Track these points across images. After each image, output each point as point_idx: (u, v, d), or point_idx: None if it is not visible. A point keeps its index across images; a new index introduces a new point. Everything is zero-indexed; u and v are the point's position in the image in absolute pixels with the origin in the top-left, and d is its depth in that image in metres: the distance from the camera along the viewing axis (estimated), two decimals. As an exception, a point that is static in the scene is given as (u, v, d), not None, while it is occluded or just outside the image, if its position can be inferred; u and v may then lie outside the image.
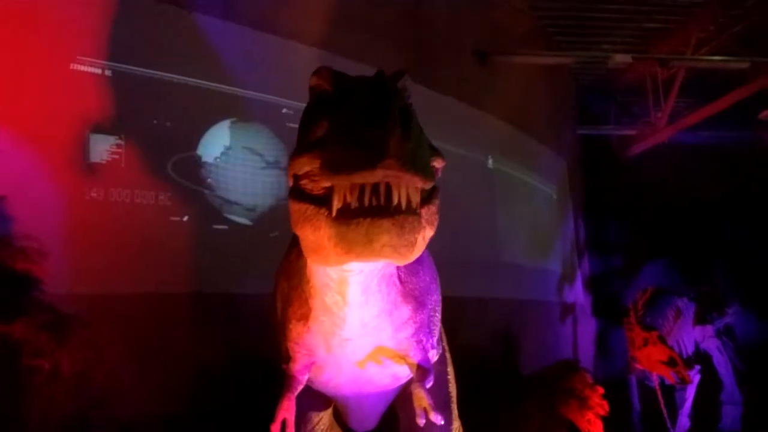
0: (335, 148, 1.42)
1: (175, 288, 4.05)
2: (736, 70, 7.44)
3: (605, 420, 4.83)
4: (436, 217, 1.64)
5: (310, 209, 1.52)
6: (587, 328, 8.77)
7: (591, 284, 9.18)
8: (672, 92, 8.14)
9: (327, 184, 1.48)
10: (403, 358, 2.18)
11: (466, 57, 6.87)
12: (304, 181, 1.57)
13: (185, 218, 4.18)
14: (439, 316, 2.39)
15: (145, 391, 3.60)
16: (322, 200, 1.51)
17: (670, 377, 5.58)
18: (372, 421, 2.96)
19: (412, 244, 1.46)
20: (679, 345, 6.22)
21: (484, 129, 7.10)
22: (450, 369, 2.90)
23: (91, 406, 3.38)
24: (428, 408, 2.04)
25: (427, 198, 1.57)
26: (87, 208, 3.76)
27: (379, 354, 2.18)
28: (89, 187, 3.80)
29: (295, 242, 2.27)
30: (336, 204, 1.43)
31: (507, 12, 7.45)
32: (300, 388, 2.24)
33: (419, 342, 2.17)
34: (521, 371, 6.25)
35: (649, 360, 5.64)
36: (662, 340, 5.65)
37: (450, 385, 2.87)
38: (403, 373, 2.37)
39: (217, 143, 4.47)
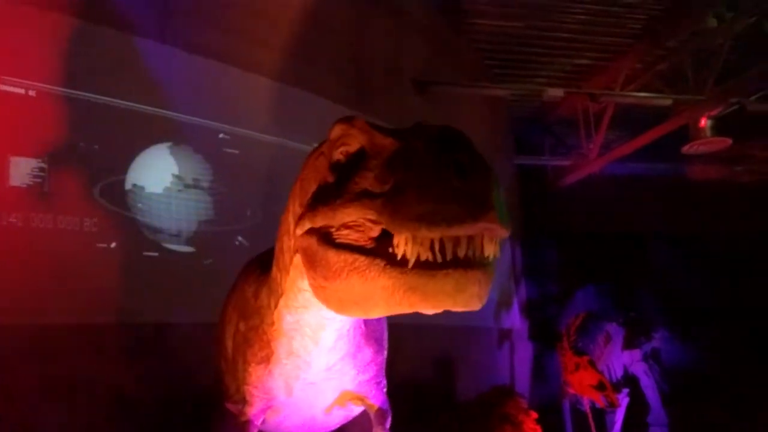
0: (416, 199, 1.32)
1: (100, 318, 3.84)
2: (660, 105, 7.84)
3: (538, 445, 4.91)
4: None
5: (361, 260, 1.45)
6: (524, 353, 8.91)
7: (527, 310, 9.35)
8: (602, 125, 8.49)
9: (399, 235, 1.38)
10: (362, 400, 2.19)
11: (405, 87, 6.98)
12: (344, 232, 1.50)
13: (113, 245, 4.03)
14: (386, 351, 2.38)
15: (63, 428, 3.42)
16: (371, 251, 1.44)
17: (600, 401, 5.71)
18: None
19: (486, 295, 1.43)
20: (609, 369, 6.41)
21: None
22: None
23: None
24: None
25: None
26: (5, 234, 3.55)
27: (344, 399, 2.18)
28: (8, 212, 3.59)
29: (249, 275, 2.27)
30: (410, 255, 1.34)
31: (446, 44, 7.64)
32: None
33: (379, 384, 2.19)
34: (459, 398, 6.28)
35: (581, 384, 5.77)
36: (592, 364, 5.79)
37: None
38: (356, 412, 2.37)
39: (148, 168, 4.33)
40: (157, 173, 4.37)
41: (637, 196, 9.60)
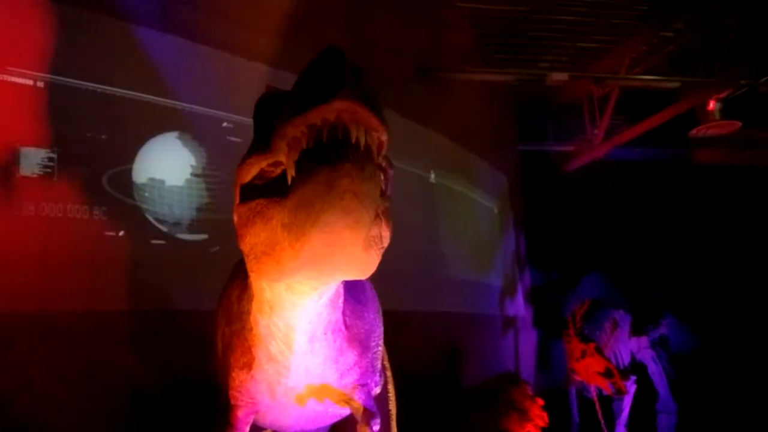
0: (284, 116, 1.32)
1: (109, 305, 3.87)
2: (667, 88, 7.76)
3: (545, 431, 4.90)
4: (390, 222, 1.58)
5: (261, 202, 1.42)
6: (528, 341, 8.90)
7: (532, 297, 9.34)
8: (607, 110, 8.41)
9: (276, 157, 1.38)
10: (347, 402, 2.14)
11: (407, 73, 6.92)
12: (253, 183, 1.50)
13: (121, 233, 4.03)
14: (381, 349, 2.36)
15: (75, 414, 3.43)
16: (270, 191, 1.40)
17: (607, 388, 5.70)
18: None
19: (373, 203, 1.33)
20: (616, 356, 6.39)
21: (426, 144, 7.16)
22: (390, 387, 2.90)
23: (18, 430, 3.18)
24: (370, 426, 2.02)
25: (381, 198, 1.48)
26: (17, 223, 3.58)
27: (322, 393, 2.12)
28: (19, 201, 3.63)
29: (234, 279, 2.23)
30: (288, 167, 1.31)
31: (447, 29, 7.57)
32: None
33: (364, 386, 2.14)
34: (464, 385, 6.29)
35: (587, 371, 5.75)
36: (599, 351, 5.77)
37: (390, 403, 2.87)
38: (344, 411, 2.33)
39: (155, 157, 4.33)
40: (163, 162, 4.37)
41: (643, 182, 9.54)
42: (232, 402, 2.12)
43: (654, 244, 9.46)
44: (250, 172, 1.51)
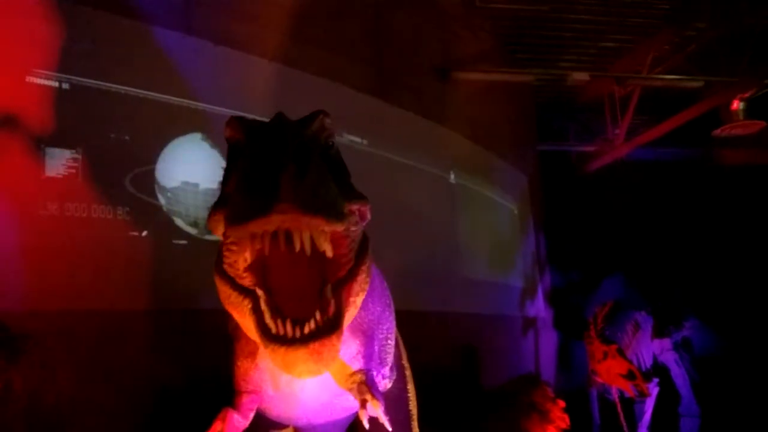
0: (234, 199, 1.36)
1: (132, 305, 3.93)
2: (690, 88, 7.67)
3: (566, 433, 4.87)
4: (369, 272, 1.59)
5: (234, 296, 1.49)
6: (549, 342, 8.84)
7: (552, 298, 9.27)
8: (629, 110, 8.34)
9: (242, 254, 1.43)
10: (350, 391, 2.10)
11: (426, 73, 6.92)
12: (226, 253, 1.54)
13: (144, 233, 4.09)
14: (392, 342, 2.36)
15: (99, 411, 3.49)
16: (240, 286, 1.49)
17: (630, 390, 5.64)
18: None
19: (333, 359, 1.42)
20: (638, 358, 6.31)
21: (446, 144, 7.15)
22: (410, 387, 2.87)
23: (44, 428, 3.23)
24: (373, 400, 1.94)
25: (359, 256, 1.51)
26: (42, 222, 3.65)
27: (324, 384, 2.11)
28: (44, 201, 3.69)
29: None
30: (265, 315, 1.40)
31: (468, 29, 7.55)
32: (243, 421, 2.17)
33: (367, 374, 2.10)
34: (483, 385, 6.26)
35: (609, 373, 5.70)
36: (621, 353, 5.71)
37: (410, 403, 2.84)
38: (355, 404, 2.33)
39: (177, 157, 4.39)
40: (185, 163, 4.42)
41: (665, 182, 9.43)
42: (237, 389, 2.17)
43: (676, 246, 9.34)
44: (216, 228, 1.57)
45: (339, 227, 1.36)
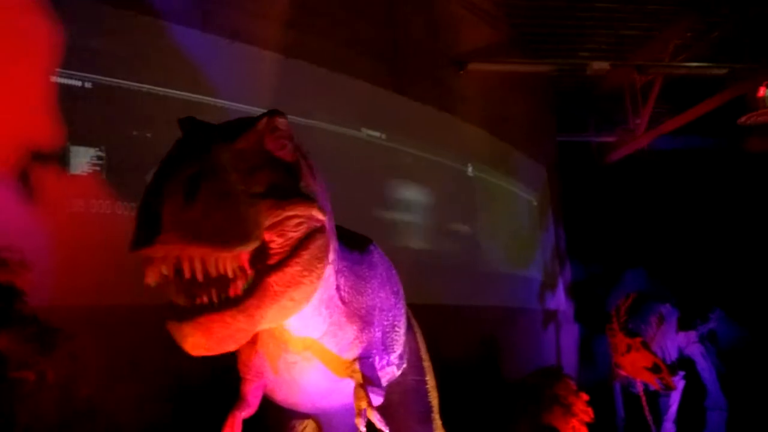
0: (135, 221, 1.39)
1: (157, 299, 3.97)
2: (714, 76, 7.51)
3: (590, 427, 4.80)
4: (316, 264, 1.58)
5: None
6: (570, 335, 8.76)
7: (573, 291, 9.18)
8: (650, 98, 8.20)
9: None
10: (350, 376, 2.12)
11: (443, 66, 6.87)
12: None
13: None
14: (400, 330, 2.36)
15: (128, 403, 3.54)
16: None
17: (655, 383, 5.55)
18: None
19: (232, 338, 1.42)
20: (663, 351, 6.22)
21: (464, 137, 7.10)
22: (429, 378, 2.87)
23: (75, 418, 3.31)
24: (368, 408, 1.97)
25: (297, 249, 1.51)
26: (68, 219, 3.71)
27: (324, 361, 2.11)
28: (70, 198, 3.77)
29: None
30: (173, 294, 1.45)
31: (484, 20, 7.47)
32: (248, 409, 2.21)
33: (367, 358, 2.13)
34: (504, 379, 6.21)
35: (633, 366, 5.61)
36: (646, 346, 5.62)
37: (430, 395, 2.84)
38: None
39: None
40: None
41: (688, 172, 9.26)
42: (242, 376, 2.23)
43: (700, 237, 9.18)
44: None
45: (235, 251, 1.34)
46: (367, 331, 2.09)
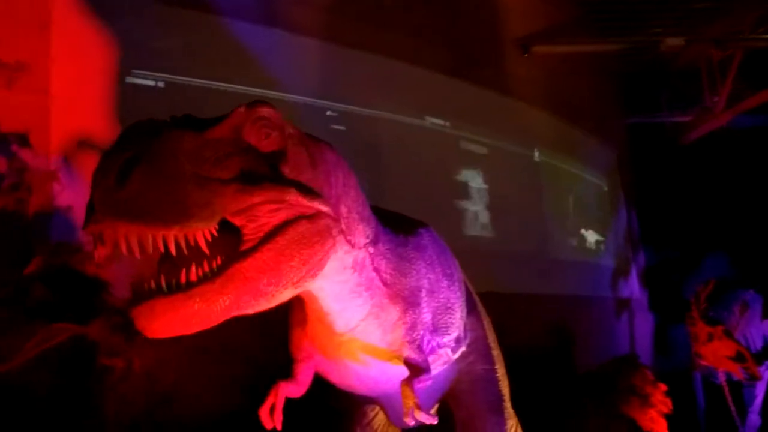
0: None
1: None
2: (798, 48, 7.05)
3: (669, 418, 4.64)
4: (299, 250, 1.57)
5: None
6: (644, 324, 8.49)
7: (647, 278, 8.88)
8: (729, 74, 7.76)
9: None
10: (398, 358, 2.13)
11: (508, 50, 6.75)
12: None
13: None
14: (456, 313, 2.34)
15: (209, 389, 3.70)
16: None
17: (739, 373, 5.31)
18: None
19: (181, 321, 1.45)
20: (747, 340, 5.94)
21: (529, 122, 6.98)
22: (498, 367, 2.85)
23: (160, 403, 3.49)
24: (415, 407, 1.96)
25: (267, 239, 1.50)
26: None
27: (369, 350, 2.13)
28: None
29: None
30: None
31: (548, 0, 7.28)
32: (297, 388, 2.29)
33: (413, 342, 2.12)
34: (576, 369, 6.09)
35: (715, 356, 5.39)
36: (728, 334, 5.38)
37: (500, 383, 2.83)
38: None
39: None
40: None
41: (770, 151, 8.74)
42: (293, 357, 2.32)
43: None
44: None
45: (171, 229, 1.36)
46: (411, 312, 2.10)
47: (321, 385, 2.54)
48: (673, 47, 6.90)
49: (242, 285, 1.49)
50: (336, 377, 2.36)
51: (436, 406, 3.08)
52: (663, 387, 4.69)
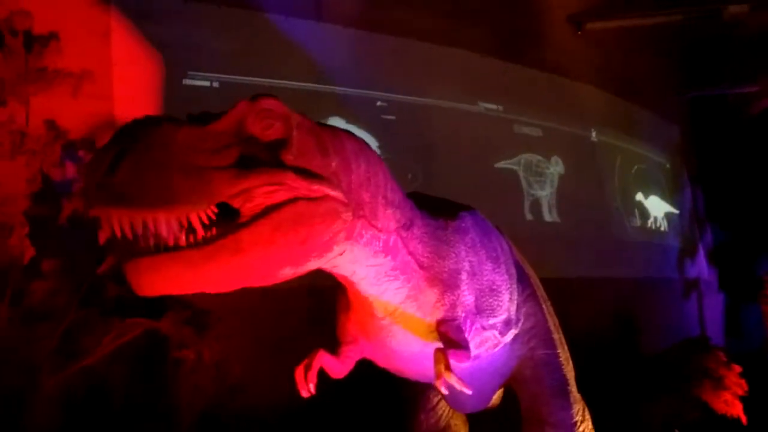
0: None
1: (292, 282, 4.19)
2: None
3: (744, 400, 4.48)
4: (296, 228, 1.60)
5: None
6: (714, 304, 8.19)
7: (716, 257, 8.55)
8: (797, 40, 7.36)
9: None
10: (435, 338, 2.12)
11: (561, 29, 6.59)
12: None
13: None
14: (502, 296, 2.33)
15: (274, 379, 3.79)
16: None
17: (817, 351, 5.08)
18: (471, 403, 2.91)
19: (164, 280, 1.49)
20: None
21: (585, 101, 6.83)
22: (560, 351, 2.83)
23: (229, 393, 3.63)
24: (446, 372, 1.94)
25: (262, 215, 1.54)
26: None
27: (409, 325, 2.15)
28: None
29: None
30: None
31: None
32: (340, 368, 2.32)
33: (453, 320, 2.13)
34: (644, 352, 5.94)
35: (791, 334, 5.17)
36: (804, 311, 5.15)
37: (563, 368, 2.81)
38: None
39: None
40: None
41: None
42: (339, 340, 2.37)
43: None
44: None
45: (160, 212, 1.42)
46: (450, 294, 2.11)
47: (387, 373, 2.58)
48: (738, 15, 6.56)
49: (233, 255, 1.53)
50: (382, 360, 2.41)
51: (500, 391, 3.08)
52: (737, 368, 4.54)
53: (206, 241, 1.50)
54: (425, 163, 5.24)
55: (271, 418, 3.80)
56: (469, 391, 1.94)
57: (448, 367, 1.94)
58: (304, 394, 2.19)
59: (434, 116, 5.58)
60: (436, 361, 1.99)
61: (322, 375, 2.36)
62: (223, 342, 3.53)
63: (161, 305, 3.49)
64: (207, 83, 4.29)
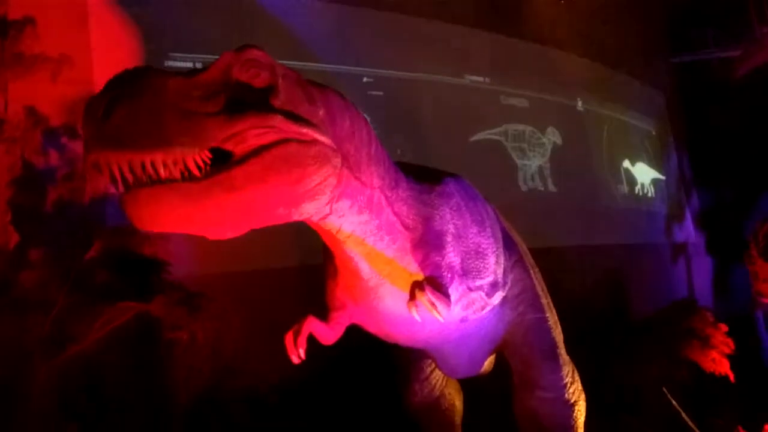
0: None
1: (284, 262, 4.25)
2: None
3: (731, 358, 4.56)
4: (288, 168, 1.62)
5: None
6: (702, 267, 8.29)
7: (703, 221, 8.63)
8: (779, 1, 7.37)
9: None
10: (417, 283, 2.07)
11: (543, -2, 6.57)
12: None
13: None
14: (487, 258, 2.36)
15: (267, 360, 3.79)
16: None
17: (802, 308, 5.17)
18: (462, 369, 2.95)
19: (156, 209, 1.51)
20: (809, 274, 5.74)
21: (568, 70, 6.81)
22: (549, 315, 2.88)
23: (224, 372, 3.64)
24: (420, 291, 1.92)
25: (253, 154, 1.56)
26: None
27: (396, 279, 2.17)
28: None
29: None
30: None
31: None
32: (329, 334, 2.35)
33: (437, 278, 2.09)
34: (634, 316, 6.02)
35: (777, 292, 5.25)
36: (790, 270, 5.23)
37: (552, 331, 2.85)
38: (455, 314, 2.30)
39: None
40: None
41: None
42: (328, 306, 2.40)
43: None
44: None
45: (155, 154, 1.44)
46: (435, 254, 2.13)
47: (377, 342, 2.60)
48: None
49: (228, 192, 1.55)
50: (371, 325, 2.44)
51: (492, 357, 3.12)
52: (723, 328, 4.61)
53: (202, 177, 1.52)
54: (414, 138, 5.23)
55: (267, 396, 3.83)
56: (441, 318, 1.93)
57: (423, 288, 1.93)
58: (294, 360, 2.22)
59: (422, 91, 5.56)
60: (412, 288, 1.98)
61: (316, 358, 2.37)
62: (217, 322, 3.54)
63: (151, 288, 3.49)
64: (190, 64, 4.22)
